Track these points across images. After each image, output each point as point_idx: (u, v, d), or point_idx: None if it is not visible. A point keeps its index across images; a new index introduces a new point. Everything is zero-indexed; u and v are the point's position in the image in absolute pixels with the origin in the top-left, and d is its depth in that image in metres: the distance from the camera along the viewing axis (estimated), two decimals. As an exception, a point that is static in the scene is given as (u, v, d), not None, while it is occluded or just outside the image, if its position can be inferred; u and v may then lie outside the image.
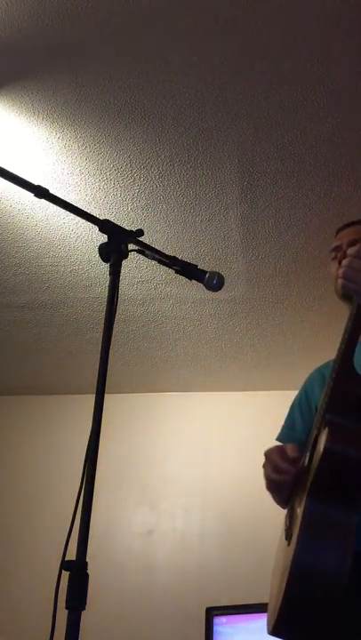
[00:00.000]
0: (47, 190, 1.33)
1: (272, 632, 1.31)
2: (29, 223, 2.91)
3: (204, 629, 3.25)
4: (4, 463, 4.32)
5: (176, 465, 4.11)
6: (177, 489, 4.04)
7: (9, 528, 4.09)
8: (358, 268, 1.26)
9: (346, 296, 1.59)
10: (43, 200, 1.34)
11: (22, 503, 4.15)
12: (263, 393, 4.24)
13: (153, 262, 1.51)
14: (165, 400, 4.40)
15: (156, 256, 1.45)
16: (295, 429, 1.74)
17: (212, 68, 2.18)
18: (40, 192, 1.32)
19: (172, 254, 1.48)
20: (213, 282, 1.47)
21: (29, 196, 1.34)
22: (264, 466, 1.50)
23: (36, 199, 1.34)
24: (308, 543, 1.24)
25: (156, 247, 1.44)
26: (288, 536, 1.38)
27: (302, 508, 1.27)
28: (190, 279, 1.50)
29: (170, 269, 1.49)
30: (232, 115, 2.36)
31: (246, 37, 2.08)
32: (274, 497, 1.66)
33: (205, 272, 1.48)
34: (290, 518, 1.46)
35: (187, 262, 1.48)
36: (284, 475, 1.42)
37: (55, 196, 1.34)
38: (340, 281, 1.30)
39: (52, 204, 1.37)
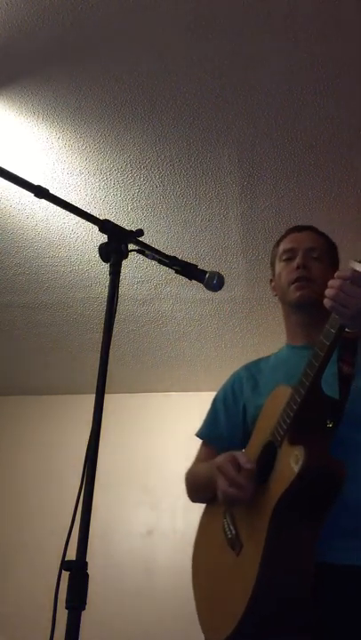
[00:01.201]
0: (47, 190, 1.33)
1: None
2: (29, 223, 2.91)
3: (204, 629, 3.24)
4: (3, 463, 4.32)
5: (176, 465, 4.08)
6: (177, 489, 4.00)
7: (9, 528, 4.08)
8: (351, 294, 1.22)
9: (302, 305, 1.60)
10: (43, 200, 1.33)
11: (22, 503, 4.15)
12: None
13: (153, 262, 1.51)
14: (165, 400, 4.40)
15: (156, 256, 1.44)
16: (218, 426, 1.70)
17: (212, 68, 2.18)
18: (40, 192, 1.32)
19: (172, 254, 1.47)
20: (213, 282, 1.47)
21: (29, 195, 1.34)
22: (216, 476, 1.41)
23: (36, 199, 1.34)
24: (274, 560, 1.25)
25: (156, 247, 1.44)
26: (237, 546, 1.36)
27: (266, 525, 1.26)
28: (190, 279, 1.49)
29: (170, 269, 1.49)
30: (232, 115, 2.36)
31: (246, 37, 2.08)
32: (202, 497, 1.63)
33: (205, 272, 1.48)
34: (232, 524, 1.43)
35: (187, 262, 1.48)
36: (243, 492, 1.35)
37: (55, 196, 1.34)
38: (329, 302, 1.24)
39: (52, 204, 1.37)
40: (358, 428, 1.40)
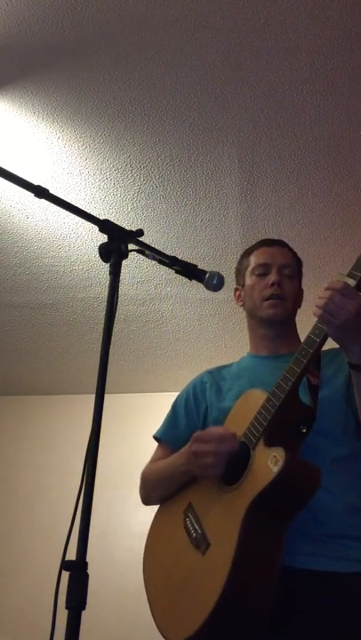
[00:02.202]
0: (47, 190, 1.33)
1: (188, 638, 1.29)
2: (29, 223, 2.91)
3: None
4: (3, 463, 4.32)
5: (176, 465, 4.11)
6: (177, 489, 4.04)
7: (9, 528, 4.09)
8: (340, 305, 1.28)
9: (273, 322, 1.64)
10: (43, 200, 1.33)
11: (22, 503, 4.15)
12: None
13: (153, 262, 1.51)
14: (165, 400, 4.37)
15: (156, 256, 1.44)
16: (178, 428, 1.72)
17: (212, 68, 2.18)
18: (40, 192, 1.32)
19: (172, 254, 1.48)
20: (213, 282, 1.47)
21: (29, 195, 1.34)
22: (196, 449, 1.42)
23: (36, 199, 1.34)
24: (243, 563, 1.25)
25: (156, 247, 1.44)
26: (202, 545, 1.37)
27: (238, 527, 1.27)
28: (190, 279, 1.50)
29: (170, 269, 1.49)
30: (232, 115, 2.36)
31: (246, 37, 2.08)
32: (160, 492, 1.64)
33: (205, 272, 1.48)
34: (196, 523, 1.43)
35: (187, 262, 1.48)
36: (232, 444, 1.37)
37: (55, 196, 1.34)
38: (318, 310, 1.30)
39: (52, 204, 1.37)
40: (325, 436, 1.43)
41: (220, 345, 3.84)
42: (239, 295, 1.78)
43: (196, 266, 1.49)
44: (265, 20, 2.02)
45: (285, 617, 1.28)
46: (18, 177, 1.32)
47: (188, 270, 1.48)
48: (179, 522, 1.50)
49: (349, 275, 1.31)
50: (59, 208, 1.38)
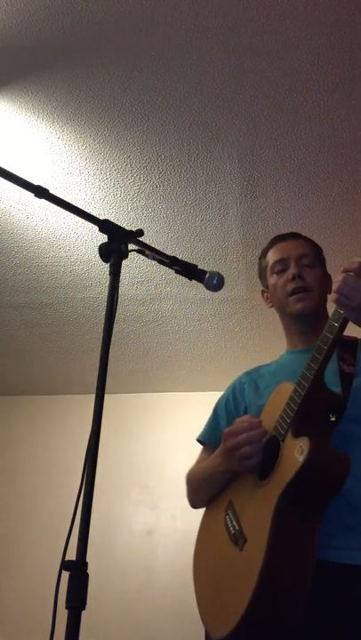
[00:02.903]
0: (47, 190, 1.33)
1: (228, 635, 1.31)
2: (29, 223, 2.91)
3: (203, 629, 3.25)
4: (3, 463, 4.32)
5: (176, 465, 4.10)
6: (177, 489, 4.01)
7: (9, 528, 4.09)
8: (353, 286, 1.26)
9: (304, 316, 1.62)
10: (43, 200, 1.33)
11: (22, 503, 4.15)
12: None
13: (153, 262, 1.51)
14: (165, 400, 4.40)
15: (156, 256, 1.44)
16: (219, 429, 1.70)
17: (212, 68, 2.18)
18: (40, 192, 1.32)
19: (172, 254, 1.48)
20: (213, 282, 1.47)
21: (29, 195, 1.34)
22: (229, 445, 1.43)
23: (36, 199, 1.34)
24: (277, 555, 1.25)
25: (156, 247, 1.44)
26: (240, 541, 1.37)
27: (270, 518, 1.27)
28: (190, 279, 1.49)
29: (170, 269, 1.49)
30: (232, 115, 2.36)
31: (246, 37, 2.08)
32: (204, 494, 1.64)
33: (205, 272, 1.48)
34: (235, 519, 1.44)
35: (187, 262, 1.48)
36: (259, 429, 1.39)
37: (55, 196, 1.34)
38: (334, 295, 1.28)
39: (52, 204, 1.37)
40: (358, 423, 1.41)
41: (220, 345, 3.84)
42: (267, 297, 1.77)
43: (196, 266, 1.49)
44: (265, 20, 2.02)
45: (319, 613, 1.27)
46: (18, 177, 1.32)
47: (188, 270, 1.48)
48: (220, 520, 1.52)
49: None
50: (59, 208, 1.38)
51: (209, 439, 1.75)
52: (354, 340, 1.57)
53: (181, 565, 3.84)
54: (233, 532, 1.43)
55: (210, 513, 1.64)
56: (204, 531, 1.63)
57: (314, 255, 1.70)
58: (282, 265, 1.68)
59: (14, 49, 2.12)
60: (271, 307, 1.77)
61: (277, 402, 1.46)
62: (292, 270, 1.64)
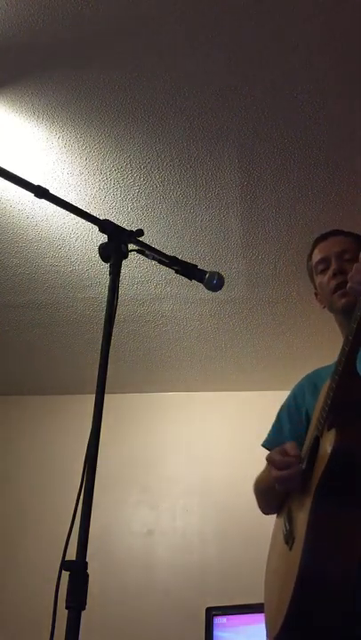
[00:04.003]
0: (47, 190, 1.33)
1: (276, 637, 1.30)
2: (29, 223, 2.91)
3: (204, 629, 3.25)
4: (3, 463, 4.32)
5: (176, 465, 4.11)
6: (177, 489, 4.04)
7: (9, 528, 4.09)
8: None
9: (346, 309, 1.59)
10: (43, 200, 1.34)
11: (22, 503, 4.15)
12: (263, 393, 4.24)
13: (153, 262, 1.51)
14: (165, 400, 4.40)
15: (156, 256, 1.45)
16: (283, 434, 1.73)
17: (212, 68, 2.18)
18: (40, 192, 1.32)
19: (172, 254, 1.48)
20: (213, 282, 1.47)
21: (29, 195, 1.34)
22: (268, 470, 1.48)
23: (36, 199, 1.34)
24: (316, 548, 1.24)
25: (156, 247, 1.44)
26: (290, 540, 1.38)
27: (308, 513, 1.27)
28: (190, 279, 1.50)
29: (170, 269, 1.49)
30: (232, 115, 2.36)
31: (246, 37, 2.08)
32: (266, 502, 1.67)
33: (205, 272, 1.48)
34: (288, 521, 1.45)
35: (187, 262, 1.48)
36: (293, 467, 1.40)
37: (55, 196, 1.34)
38: (349, 285, 1.28)
39: (52, 204, 1.37)
40: None
41: (220, 345, 3.84)
42: (320, 298, 1.78)
43: (196, 266, 1.49)
44: (265, 20, 2.02)
45: None
46: (18, 177, 1.32)
47: (188, 270, 1.48)
48: (280, 525, 1.54)
49: None
50: (59, 208, 1.38)
51: (272, 444, 1.75)
52: None
53: (181, 565, 3.85)
54: (285, 532, 1.44)
55: (277, 520, 1.65)
56: (273, 538, 1.65)
57: (356, 248, 1.68)
58: (324, 264, 1.70)
59: (14, 49, 2.12)
60: (324, 308, 1.76)
61: (321, 399, 1.47)
62: (333, 267, 1.65)
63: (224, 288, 1.51)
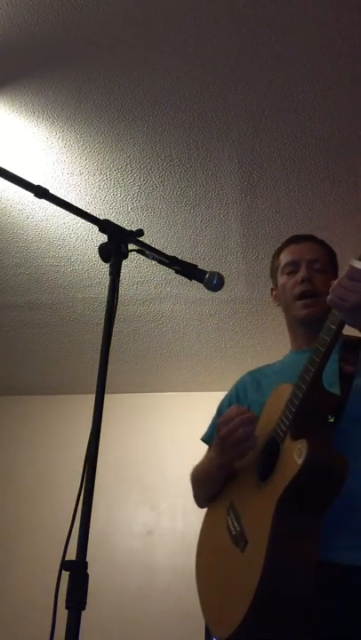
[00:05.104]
0: (47, 190, 1.33)
1: (228, 638, 1.31)
2: (29, 223, 2.91)
3: (203, 629, 3.25)
4: (4, 463, 4.32)
5: (176, 465, 4.10)
6: (177, 489, 4.04)
7: (9, 528, 4.09)
8: (349, 288, 1.26)
9: (309, 322, 1.61)
10: (43, 200, 1.33)
11: (22, 503, 4.15)
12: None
13: (153, 262, 1.51)
14: (165, 400, 4.40)
15: (156, 256, 1.44)
16: None
17: (212, 68, 2.18)
18: (40, 192, 1.32)
19: (172, 254, 1.48)
20: (213, 282, 1.47)
21: (29, 195, 1.34)
22: (223, 432, 1.45)
23: (36, 199, 1.34)
24: (277, 555, 1.26)
25: (156, 247, 1.44)
26: (241, 542, 1.38)
27: (270, 522, 1.28)
28: (190, 279, 1.49)
29: (170, 269, 1.49)
30: (232, 115, 2.36)
31: (246, 38, 2.08)
32: (205, 492, 1.66)
33: (205, 272, 1.48)
34: (236, 520, 1.45)
35: (187, 262, 1.48)
36: (253, 423, 1.41)
37: (55, 196, 1.34)
38: (329, 296, 1.29)
39: (52, 204, 1.37)
40: (357, 423, 1.42)
41: (220, 345, 3.84)
42: (276, 295, 1.77)
43: (196, 266, 1.49)
44: (265, 20, 2.02)
45: (321, 614, 1.27)
46: (18, 177, 1.32)
47: (188, 270, 1.48)
48: (222, 521, 1.52)
49: (360, 259, 1.29)
50: (59, 208, 1.38)
51: (212, 438, 1.76)
52: (358, 340, 1.57)
53: (181, 565, 3.85)
54: (234, 533, 1.43)
55: (212, 513, 1.65)
56: (206, 531, 1.64)
57: (326, 260, 1.69)
58: (293, 267, 1.68)
59: (14, 49, 2.12)
60: (278, 305, 1.77)
61: (276, 403, 1.46)
62: (301, 273, 1.64)
63: (224, 288, 1.50)
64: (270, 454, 1.39)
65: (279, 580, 1.25)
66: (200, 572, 1.59)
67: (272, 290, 1.80)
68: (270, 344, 3.78)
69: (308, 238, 1.75)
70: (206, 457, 1.64)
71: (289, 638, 1.28)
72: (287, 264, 1.70)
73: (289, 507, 1.28)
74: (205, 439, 1.79)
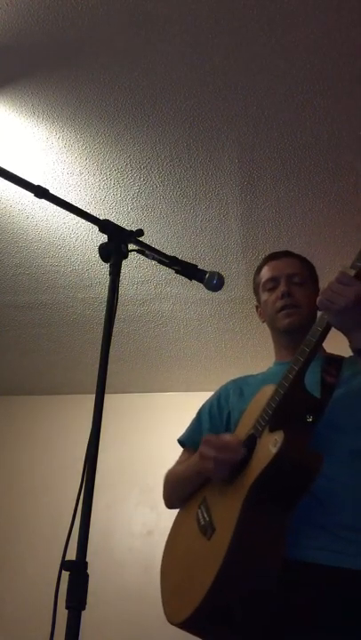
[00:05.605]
0: (47, 190, 1.33)
1: (182, 622, 1.35)
2: (29, 223, 2.91)
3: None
4: (3, 463, 4.32)
5: (176, 465, 4.11)
6: (177, 489, 4.04)
7: (9, 528, 4.09)
8: (337, 291, 1.32)
9: (292, 331, 1.68)
10: (43, 200, 1.34)
11: (22, 503, 4.15)
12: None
13: (153, 262, 1.51)
14: (165, 400, 4.40)
15: (156, 256, 1.45)
16: (201, 433, 1.74)
17: (212, 67, 2.18)
18: (40, 192, 1.32)
19: (172, 254, 1.48)
20: (213, 282, 1.47)
21: (29, 195, 1.34)
22: (202, 451, 1.48)
23: (36, 199, 1.34)
24: (242, 546, 1.27)
25: (156, 247, 1.44)
26: (209, 530, 1.40)
27: (239, 508, 1.30)
28: (190, 279, 1.50)
29: (170, 269, 1.49)
30: (232, 115, 2.36)
31: (246, 37, 2.08)
32: (182, 493, 1.69)
33: (205, 272, 1.48)
34: (206, 511, 1.48)
35: (187, 262, 1.48)
36: (239, 453, 1.42)
37: (55, 196, 1.34)
38: (318, 299, 1.35)
39: (52, 204, 1.37)
40: (339, 430, 1.46)
41: (220, 345, 3.84)
42: (260, 312, 1.83)
43: (196, 266, 1.49)
44: (265, 20, 2.02)
45: (288, 612, 1.28)
46: (18, 177, 1.32)
47: (188, 270, 1.48)
48: (193, 515, 1.56)
49: (352, 266, 1.36)
50: (59, 208, 1.38)
51: (190, 441, 1.81)
52: (340, 358, 1.65)
53: (181, 565, 3.84)
54: (203, 523, 1.47)
55: (183, 510, 1.69)
56: (176, 526, 1.69)
57: (305, 273, 1.76)
58: (273, 283, 1.74)
59: (14, 49, 2.12)
60: (264, 322, 1.83)
61: (259, 403, 1.51)
62: (281, 288, 1.70)
63: (224, 288, 1.51)
64: (248, 449, 1.43)
65: (241, 567, 1.27)
66: (164, 563, 1.63)
67: (256, 307, 1.87)
68: (270, 344, 3.77)
69: (286, 254, 1.81)
70: (188, 462, 1.66)
71: (247, 632, 1.29)
72: (267, 280, 1.76)
73: (259, 496, 1.30)
74: (184, 441, 1.83)
